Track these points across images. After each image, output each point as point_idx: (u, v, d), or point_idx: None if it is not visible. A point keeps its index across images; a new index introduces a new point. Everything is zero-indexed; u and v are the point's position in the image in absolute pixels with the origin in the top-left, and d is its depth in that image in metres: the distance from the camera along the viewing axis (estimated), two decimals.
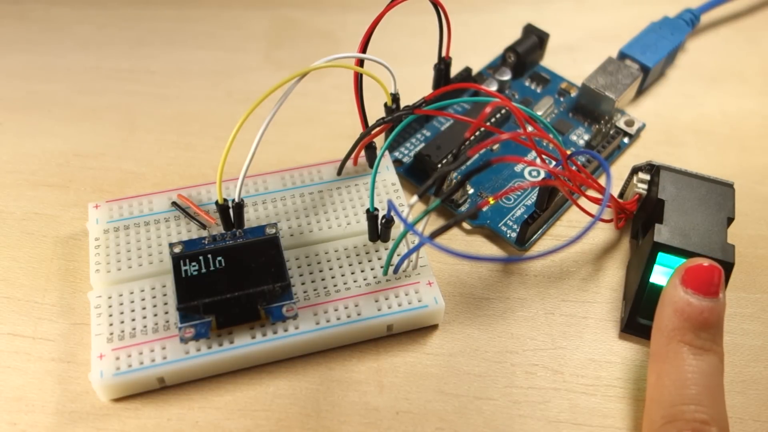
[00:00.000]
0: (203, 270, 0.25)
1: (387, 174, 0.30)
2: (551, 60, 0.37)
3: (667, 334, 0.24)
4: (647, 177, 0.29)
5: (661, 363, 0.24)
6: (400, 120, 0.26)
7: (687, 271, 0.24)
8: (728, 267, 0.25)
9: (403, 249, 0.27)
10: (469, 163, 0.32)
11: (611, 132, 0.32)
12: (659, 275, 0.27)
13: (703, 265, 0.24)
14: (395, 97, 0.27)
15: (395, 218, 0.27)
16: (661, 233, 0.26)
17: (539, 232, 0.30)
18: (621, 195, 0.31)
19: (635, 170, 0.29)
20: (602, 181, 0.29)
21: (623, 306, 0.28)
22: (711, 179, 0.28)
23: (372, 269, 0.27)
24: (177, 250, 0.26)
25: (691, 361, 0.23)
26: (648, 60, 0.34)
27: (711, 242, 0.26)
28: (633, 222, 0.30)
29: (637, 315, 0.27)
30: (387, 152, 0.31)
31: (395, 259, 0.26)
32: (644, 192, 0.29)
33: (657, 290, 0.27)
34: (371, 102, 0.28)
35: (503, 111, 0.33)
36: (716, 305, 0.24)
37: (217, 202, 0.26)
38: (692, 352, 0.23)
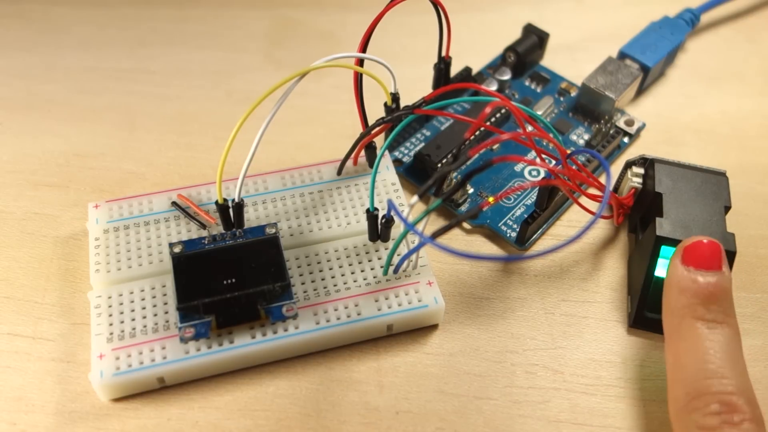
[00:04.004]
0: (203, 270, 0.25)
1: (387, 174, 0.30)
2: (551, 60, 0.37)
3: (678, 313, 0.23)
4: (641, 171, 0.29)
5: (677, 342, 0.23)
6: (400, 120, 0.26)
7: (686, 250, 0.24)
8: (730, 256, 0.25)
9: (403, 249, 0.27)
10: (469, 162, 0.32)
11: (611, 132, 0.32)
12: (663, 268, 0.27)
13: (701, 242, 0.24)
14: (395, 97, 0.28)
15: (395, 218, 0.27)
16: (663, 227, 0.26)
17: (539, 231, 0.30)
18: (615, 190, 0.31)
19: (629, 165, 0.30)
20: (602, 180, 0.29)
21: (629, 301, 0.28)
22: (704, 169, 0.28)
23: (372, 269, 0.27)
24: (177, 250, 0.26)
25: (707, 335, 0.23)
26: (648, 60, 0.34)
27: (712, 232, 0.26)
28: (630, 216, 0.30)
29: (645, 309, 0.27)
30: (387, 152, 0.31)
31: (395, 259, 0.26)
32: (639, 186, 0.29)
33: (662, 284, 0.27)
34: (371, 102, 0.28)
35: (503, 110, 0.33)
36: (721, 278, 0.24)
37: (217, 202, 0.26)
38: (706, 326, 0.23)
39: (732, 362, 0.22)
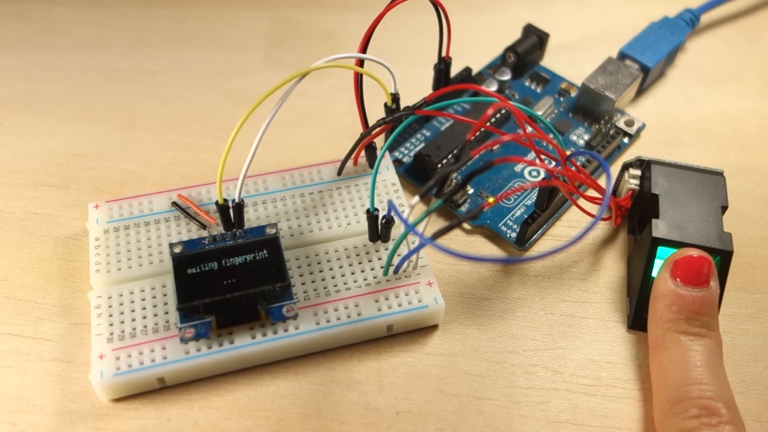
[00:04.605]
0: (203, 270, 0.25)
1: (387, 174, 0.30)
2: (551, 60, 0.37)
3: (663, 325, 0.25)
4: (638, 172, 0.29)
5: (660, 352, 0.24)
6: (400, 120, 0.26)
7: (676, 264, 0.25)
8: (727, 255, 0.25)
9: (403, 249, 0.27)
10: (469, 163, 0.32)
11: (611, 132, 0.32)
12: None
13: (692, 256, 0.25)
14: (395, 97, 0.28)
15: (396, 219, 0.27)
16: (659, 228, 0.26)
17: (539, 232, 0.30)
18: (614, 192, 0.31)
19: (626, 167, 0.30)
20: (601, 181, 0.29)
21: (629, 302, 0.28)
22: (701, 169, 0.28)
23: (372, 269, 0.27)
24: (177, 250, 0.26)
25: (690, 345, 0.24)
26: (648, 60, 0.34)
27: (708, 232, 0.26)
28: (628, 218, 0.30)
29: (643, 311, 0.27)
30: (387, 152, 0.31)
31: (395, 260, 0.26)
32: (636, 187, 0.29)
33: None
34: (371, 102, 0.28)
35: (503, 111, 0.33)
36: (707, 294, 0.24)
37: (217, 202, 0.26)
38: (688, 339, 0.24)
39: (712, 370, 0.23)
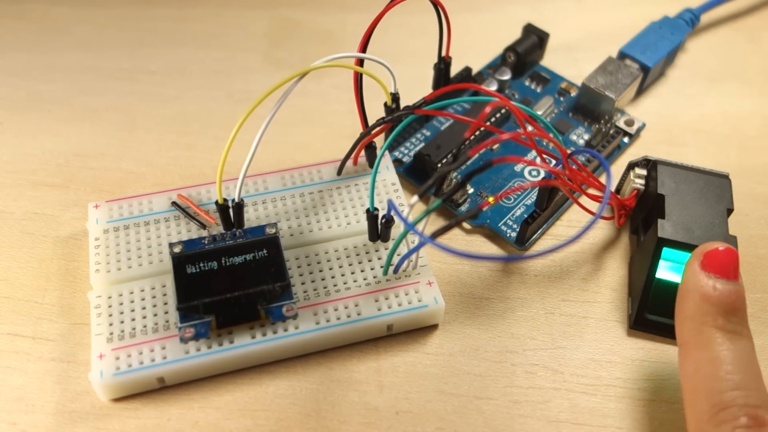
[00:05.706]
0: (203, 270, 0.25)
1: (387, 174, 0.30)
2: (551, 60, 0.37)
3: (699, 320, 0.23)
4: (644, 172, 0.29)
5: (696, 351, 0.22)
6: (400, 120, 0.26)
7: (706, 256, 0.23)
8: None
9: (403, 249, 0.27)
10: (469, 162, 0.32)
11: (611, 132, 0.32)
12: (665, 270, 0.27)
13: (719, 249, 0.23)
14: (395, 97, 0.28)
15: (395, 218, 0.27)
16: (665, 228, 0.26)
17: (539, 231, 0.30)
18: (618, 191, 0.31)
19: (631, 166, 0.30)
20: (602, 180, 0.29)
21: (629, 303, 0.28)
22: (707, 171, 0.28)
23: (372, 269, 0.27)
24: (177, 250, 0.26)
25: (729, 345, 0.22)
26: (648, 60, 0.34)
27: (714, 235, 0.26)
28: (632, 218, 0.30)
29: (645, 311, 0.27)
30: (387, 152, 0.31)
31: (395, 259, 0.26)
32: (641, 187, 0.29)
33: (663, 286, 0.27)
34: (371, 102, 0.28)
35: (503, 110, 0.33)
36: (740, 288, 0.23)
37: (217, 202, 0.26)
38: (726, 338, 0.22)
39: (754, 375, 0.22)
